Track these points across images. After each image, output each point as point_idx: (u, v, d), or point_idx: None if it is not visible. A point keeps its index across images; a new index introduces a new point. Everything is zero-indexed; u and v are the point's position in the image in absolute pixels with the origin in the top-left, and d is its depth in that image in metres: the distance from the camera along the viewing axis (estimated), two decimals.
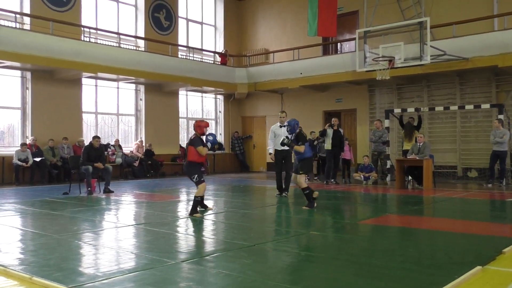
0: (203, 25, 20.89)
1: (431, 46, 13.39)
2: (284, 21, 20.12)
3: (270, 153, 10.51)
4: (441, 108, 14.44)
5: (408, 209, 9.14)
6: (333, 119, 14.24)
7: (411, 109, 14.66)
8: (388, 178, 14.09)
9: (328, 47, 19.20)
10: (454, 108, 14.50)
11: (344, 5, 17.59)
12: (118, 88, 17.24)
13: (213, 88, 19.22)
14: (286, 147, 9.49)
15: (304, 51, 17.96)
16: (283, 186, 10.39)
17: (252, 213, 8.24)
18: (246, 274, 4.26)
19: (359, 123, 17.72)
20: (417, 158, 12.02)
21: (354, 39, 15.89)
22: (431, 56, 13.36)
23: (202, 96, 20.44)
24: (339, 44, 18.97)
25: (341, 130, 14.36)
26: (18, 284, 3.98)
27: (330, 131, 13.97)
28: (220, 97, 20.92)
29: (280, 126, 10.19)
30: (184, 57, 19.02)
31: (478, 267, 4.24)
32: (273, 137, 10.32)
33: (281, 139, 9.08)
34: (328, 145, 13.94)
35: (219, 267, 4.56)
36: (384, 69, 13.94)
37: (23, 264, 4.59)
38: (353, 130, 17.93)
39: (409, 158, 12.33)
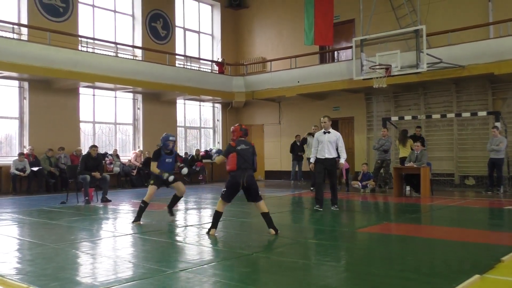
0: (200, 34, 20.98)
1: (427, 54, 13.46)
2: (280, 29, 20.21)
3: (310, 162, 9.59)
4: (438, 116, 14.49)
5: (406, 217, 9.14)
6: (313, 127, 14.06)
7: (408, 117, 14.69)
8: (386, 186, 14.09)
9: (325, 55, 19.29)
10: (451, 115, 14.55)
11: (341, 13, 17.70)
12: (115, 97, 17.27)
13: (210, 97, 19.25)
14: (331, 155, 9.09)
15: (301, 60, 18.03)
16: (331, 198, 9.42)
17: (250, 222, 8.23)
18: (244, 283, 4.25)
19: (357, 131, 17.75)
20: (415, 166, 12.03)
21: (350, 47, 15.97)
22: (427, 64, 13.42)
23: (200, 105, 20.47)
24: (335, 52, 19.07)
25: None
26: None
27: (311, 139, 13.92)
28: (218, 105, 20.95)
29: (324, 133, 9.24)
30: (182, 66, 19.06)
31: (477, 276, 4.23)
32: (317, 145, 9.29)
33: (316, 149, 8.98)
34: (309, 153, 13.90)
35: (217, 276, 4.55)
36: (381, 77, 14.00)
37: (20, 274, 4.57)
38: (351, 138, 17.95)
39: (406, 166, 12.34)
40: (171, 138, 7.80)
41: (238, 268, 4.79)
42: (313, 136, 13.89)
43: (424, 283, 4.23)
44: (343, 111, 18.08)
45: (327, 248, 6.05)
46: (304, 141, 14.13)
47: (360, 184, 13.69)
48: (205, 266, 4.93)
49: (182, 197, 8.31)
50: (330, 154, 9.17)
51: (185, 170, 8.11)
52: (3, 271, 4.59)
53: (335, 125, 18.28)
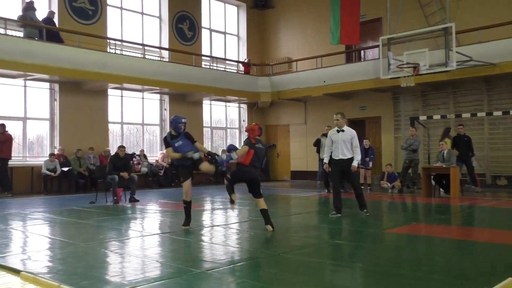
0: (226, 35, 21.07)
1: (456, 52, 13.20)
2: (306, 29, 20.13)
3: (325, 163, 9.12)
4: (468, 115, 14.19)
5: (434, 218, 8.99)
6: (326, 127, 13.98)
7: (437, 117, 14.44)
8: (415, 187, 13.87)
9: (352, 54, 19.12)
10: (481, 114, 14.23)
11: (367, 12, 17.51)
12: (143, 98, 17.49)
13: (236, 97, 19.32)
14: (345, 156, 8.43)
15: (327, 59, 17.92)
16: (358, 203, 8.79)
17: (276, 222, 8.20)
18: (271, 284, 4.25)
19: (384, 131, 17.54)
20: (444, 166, 11.82)
21: (377, 46, 15.79)
22: (456, 62, 13.17)
23: (225, 105, 20.56)
24: (362, 51, 18.88)
25: None
26: None
27: (324, 140, 13.79)
28: (244, 106, 21.00)
29: (338, 131, 8.57)
30: (208, 67, 19.18)
31: (510, 279, 4.12)
32: (331, 144, 8.67)
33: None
34: (323, 154, 13.77)
35: (244, 276, 4.56)
36: (408, 76, 13.79)
37: (51, 272, 4.68)
38: (378, 138, 17.75)
39: (435, 166, 12.14)
40: (183, 120, 7.27)
41: (265, 268, 4.79)
42: (326, 136, 13.82)
43: (453, 285, 4.15)
44: (370, 111, 17.89)
45: (354, 249, 5.99)
46: (318, 142, 13.98)
47: (388, 184, 13.55)
48: (232, 266, 4.95)
49: (219, 171, 7.73)
50: (344, 154, 8.46)
51: (196, 155, 7.22)
52: (35, 269, 4.70)
53: (361, 124, 18.18)
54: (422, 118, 14.77)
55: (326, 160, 9.00)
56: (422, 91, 16.30)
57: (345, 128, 8.58)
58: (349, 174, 8.59)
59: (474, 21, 14.87)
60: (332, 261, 5.25)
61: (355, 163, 8.48)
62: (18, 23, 13.97)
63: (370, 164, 14.03)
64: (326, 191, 13.53)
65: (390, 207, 10.93)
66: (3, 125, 13.14)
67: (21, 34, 14.04)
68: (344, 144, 8.46)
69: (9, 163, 13.29)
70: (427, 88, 16.04)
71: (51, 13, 14.75)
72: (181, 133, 7.28)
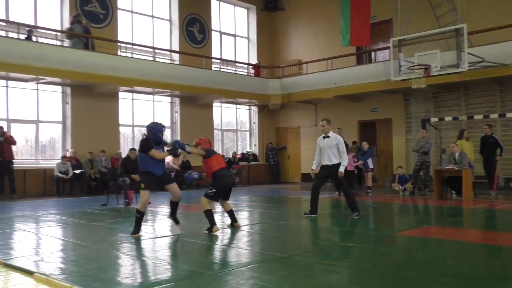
0: (236, 37, 21.11)
1: (468, 53, 13.11)
2: (316, 31, 20.11)
3: (312, 169, 9.06)
4: (480, 117, 14.05)
5: (446, 220, 8.92)
6: (337, 129, 13.96)
7: (448, 118, 14.34)
8: (426, 189, 13.78)
9: (362, 56, 19.06)
10: (494, 116, 14.08)
11: (377, 14, 17.45)
12: (153, 101, 17.58)
13: (247, 100, 19.35)
14: (331, 162, 8.45)
15: (338, 61, 17.88)
16: (349, 206, 8.74)
17: (287, 224, 8.21)
18: (282, 286, 4.24)
19: (395, 133, 17.45)
20: (456, 168, 11.73)
21: (388, 47, 15.73)
22: (468, 63, 13.07)
23: (236, 108, 20.60)
24: (373, 53, 18.82)
25: (346, 140, 14.16)
26: None
27: None
28: (254, 108, 21.02)
29: (324, 137, 8.65)
30: (218, 69, 19.24)
31: None
32: (319, 151, 8.72)
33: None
34: None
35: (255, 278, 4.56)
36: (419, 77, 13.72)
37: (64, 274, 4.71)
38: (389, 140, 17.67)
39: (447, 168, 12.05)
40: (164, 129, 6.95)
41: (276, 270, 4.79)
42: None
43: None
44: (381, 113, 17.81)
45: (365, 251, 5.97)
46: None
47: (399, 186, 13.47)
48: (243, 268, 4.95)
49: (179, 201, 7.31)
50: (330, 160, 8.50)
51: (187, 148, 7.02)
52: (48, 271, 4.74)
53: (372, 126, 18.10)
54: (434, 120, 14.66)
55: (314, 167, 9.00)
56: (433, 93, 16.20)
57: (331, 134, 8.68)
58: (337, 180, 8.68)
59: (486, 21, 14.75)
60: (342, 263, 5.23)
61: (341, 169, 8.52)
62: (66, 33, 14.77)
63: (370, 165, 13.93)
64: (337, 193, 13.49)
65: (401, 209, 10.87)
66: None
67: (33, 38, 14.21)
68: (330, 150, 8.54)
69: (22, 166, 13.48)
70: (439, 89, 15.94)
71: (81, 21, 15.00)
72: (161, 143, 6.93)
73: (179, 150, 7.03)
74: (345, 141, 13.90)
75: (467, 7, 15.04)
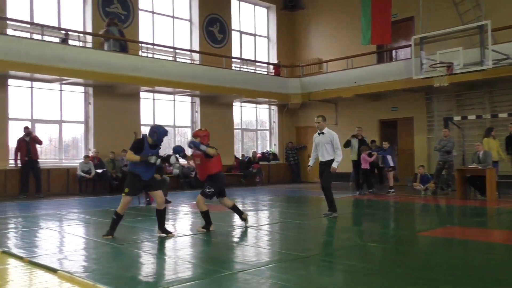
0: (256, 36, 21.12)
1: (492, 50, 12.87)
2: (337, 30, 19.98)
3: (309, 165, 9.02)
4: (505, 115, 13.79)
5: (470, 220, 8.78)
6: (357, 128, 13.95)
7: (472, 117, 14.11)
8: (449, 189, 13.58)
9: (383, 54, 18.88)
10: None
11: (399, 11, 17.26)
12: (174, 101, 17.71)
13: (267, 99, 19.35)
14: (324, 158, 8.46)
15: (358, 60, 17.75)
16: (328, 204, 8.78)
17: (307, 224, 8.19)
18: (301, 285, 4.23)
19: (417, 132, 17.23)
20: (479, 167, 11.53)
21: (409, 45, 15.55)
22: (492, 60, 12.83)
23: (256, 107, 20.61)
24: (394, 51, 18.62)
25: (366, 139, 14.08)
26: None
27: (355, 142, 13.70)
28: (274, 107, 21.00)
29: (319, 134, 8.70)
30: (238, 69, 19.28)
31: None
32: (315, 147, 8.78)
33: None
34: (354, 155, 13.65)
35: (274, 278, 4.56)
36: (442, 75, 13.53)
37: (86, 272, 4.79)
38: (410, 139, 17.46)
39: (470, 168, 11.85)
40: (167, 134, 6.83)
41: (296, 270, 4.78)
42: (356, 138, 13.73)
43: None
44: (402, 111, 17.61)
45: (387, 251, 5.91)
46: (348, 143, 13.85)
47: (421, 186, 13.31)
48: (263, 267, 4.95)
49: (164, 210, 6.86)
50: (323, 156, 8.52)
51: (173, 159, 6.74)
52: (71, 269, 4.82)
53: (393, 125, 17.91)
54: (456, 118, 14.45)
55: (311, 163, 8.97)
56: (456, 91, 15.94)
57: (325, 130, 8.63)
58: (324, 173, 8.53)
59: (510, 18, 14.45)
60: (363, 264, 5.19)
61: (334, 164, 8.46)
62: (101, 37, 15.15)
63: (391, 163, 13.78)
64: (358, 193, 13.40)
65: (423, 209, 10.74)
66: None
67: (56, 40, 14.46)
68: (324, 146, 8.53)
69: (46, 165, 13.76)
70: (462, 87, 15.68)
71: (117, 24, 15.38)
72: (159, 146, 6.75)
73: (175, 157, 6.78)
74: (364, 140, 13.89)
75: (491, 3, 14.77)
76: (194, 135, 7.21)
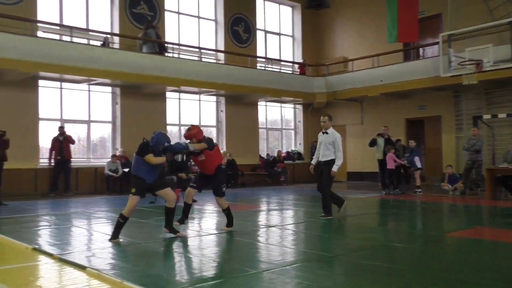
0: (281, 35, 21.09)
1: None
2: (362, 28, 19.80)
3: (311, 164, 9.00)
4: None
5: (500, 221, 8.59)
6: (383, 128, 13.76)
7: (502, 115, 13.79)
8: (478, 189, 13.31)
9: (410, 52, 18.61)
10: None
11: (426, 8, 16.98)
12: (199, 100, 17.83)
13: (292, 98, 19.31)
14: (323, 158, 8.34)
15: (384, 58, 17.54)
16: (322, 205, 8.53)
17: (332, 223, 8.14)
18: (326, 285, 4.21)
19: (445, 131, 16.93)
20: (510, 167, 11.26)
21: (437, 43, 15.29)
22: None
23: (281, 106, 20.59)
24: (421, 49, 18.33)
25: (393, 139, 13.87)
26: None
27: (381, 141, 13.52)
28: (299, 106, 20.94)
29: (323, 133, 8.55)
30: (263, 68, 19.29)
31: None
32: (318, 147, 8.62)
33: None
34: (379, 154, 13.48)
35: (299, 277, 4.55)
36: (471, 73, 13.27)
37: (114, 269, 4.87)
38: (438, 138, 17.17)
39: (501, 167, 11.59)
40: (165, 143, 6.45)
41: (321, 270, 4.76)
42: (383, 137, 13.56)
43: None
44: (429, 110, 17.33)
45: (413, 252, 5.84)
46: (374, 142, 13.69)
47: (449, 186, 13.09)
48: (287, 267, 4.95)
49: (173, 209, 6.64)
50: (324, 156, 8.37)
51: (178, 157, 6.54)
52: (99, 266, 4.91)
53: (420, 124, 17.65)
54: (486, 117, 14.15)
55: (313, 162, 8.86)
56: (485, 89, 15.60)
57: (330, 130, 8.47)
58: (324, 175, 8.36)
59: None
60: (389, 264, 5.13)
61: (334, 168, 8.27)
62: (140, 40, 15.50)
63: (418, 164, 13.56)
64: (384, 192, 13.26)
65: (451, 209, 10.55)
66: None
67: (84, 41, 14.75)
68: (325, 146, 8.38)
69: (75, 164, 14.06)
70: (491, 85, 15.32)
71: (154, 27, 15.75)
72: (158, 152, 6.42)
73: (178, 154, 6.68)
74: (390, 139, 13.72)
75: None
76: (187, 137, 6.93)
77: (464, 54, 13.47)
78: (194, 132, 6.89)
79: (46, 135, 13.99)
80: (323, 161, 8.40)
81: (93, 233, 7.42)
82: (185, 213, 7.08)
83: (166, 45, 16.38)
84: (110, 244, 6.29)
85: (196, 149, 6.76)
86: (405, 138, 16.94)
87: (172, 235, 6.57)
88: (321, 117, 8.66)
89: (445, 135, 16.89)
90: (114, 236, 6.32)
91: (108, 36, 15.08)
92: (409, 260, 5.38)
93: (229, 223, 7.17)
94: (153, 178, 6.42)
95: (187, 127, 7.05)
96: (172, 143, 6.63)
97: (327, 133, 8.45)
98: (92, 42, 14.91)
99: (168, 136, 6.60)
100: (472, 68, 13.23)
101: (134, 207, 6.39)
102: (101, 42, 14.87)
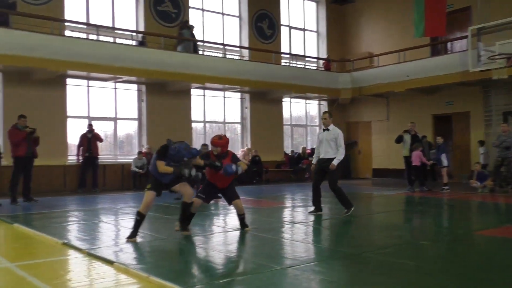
0: (305, 31, 20.98)
1: None
2: (389, 22, 19.53)
3: (312, 163, 8.89)
4: None
5: None
6: (409, 124, 13.52)
7: None
8: (509, 186, 13.01)
9: (437, 47, 18.28)
10: None
11: (454, 1, 16.65)
12: (224, 97, 17.90)
13: (316, 94, 19.21)
14: (326, 155, 8.23)
15: (411, 53, 17.27)
16: (340, 203, 8.52)
17: (358, 221, 8.08)
18: (351, 283, 4.19)
19: (473, 127, 16.59)
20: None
21: (466, 37, 14.99)
22: None
23: (305, 103, 20.51)
24: (449, 43, 17.98)
25: (419, 135, 13.62)
26: (137, 282, 4.29)
27: (407, 137, 13.29)
28: (324, 103, 20.82)
29: (324, 130, 8.46)
30: (287, 64, 19.23)
31: None
32: (319, 143, 8.57)
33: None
34: (406, 151, 13.27)
35: (324, 274, 4.54)
36: (501, 67, 12.96)
37: (141, 264, 4.94)
38: (467, 134, 16.84)
39: None
40: (186, 157, 6.19)
41: (346, 267, 4.74)
42: (409, 133, 13.34)
43: None
44: (457, 106, 17.01)
45: (440, 250, 5.75)
46: (400, 138, 13.50)
47: (478, 183, 12.83)
48: (312, 264, 4.94)
49: (191, 203, 6.49)
50: (326, 154, 8.26)
51: (191, 172, 6.20)
52: (126, 261, 4.99)
53: (448, 120, 17.33)
54: None
55: (314, 161, 8.76)
56: None
57: (331, 127, 8.39)
58: (328, 173, 8.27)
59: None
60: (416, 262, 5.06)
61: (335, 162, 8.18)
62: (176, 39, 15.91)
63: (445, 162, 13.30)
64: (410, 189, 13.08)
65: (480, 207, 10.35)
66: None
67: (110, 39, 14.96)
68: (328, 143, 8.30)
69: (103, 161, 14.32)
70: None
71: (189, 27, 16.10)
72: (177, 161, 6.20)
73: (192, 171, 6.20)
74: (417, 136, 13.52)
75: None
76: (217, 144, 6.57)
77: (494, 48, 13.17)
78: (224, 142, 6.61)
79: (74, 133, 14.25)
80: (326, 158, 8.29)
81: (120, 229, 7.54)
82: (189, 221, 6.70)
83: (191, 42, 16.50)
84: (136, 239, 6.36)
85: (244, 169, 6.54)
86: (432, 134, 16.67)
87: (187, 233, 6.43)
88: (322, 113, 8.60)
89: (474, 132, 16.55)
90: (132, 235, 6.14)
91: (143, 35, 15.35)
92: (436, 258, 5.30)
93: (245, 224, 6.93)
94: (169, 179, 6.24)
95: (218, 135, 6.76)
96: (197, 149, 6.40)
97: (328, 130, 8.39)
98: (118, 40, 15.12)
99: (191, 149, 6.30)
100: (502, 62, 12.93)
101: (150, 203, 6.20)
102: (139, 41, 15.12)
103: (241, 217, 6.87)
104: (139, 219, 6.17)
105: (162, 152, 6.13)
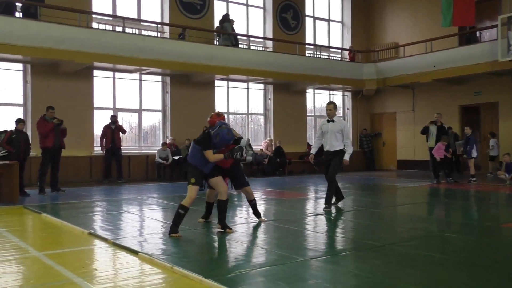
0: (330, 22, 20.76)
1: None
2: (415, 12, 19.16)
3: (311, 153, 8.76)
4: None
5: None
6: (435, 115, 13.26)
7: None
8: None
9: (465, 36, 17.87)
10: None
11: None
12: (248, 88, 17.89)
13: (340, 85, 19.04)
14: (331, 148, 8.11)
15: (438, 43, 16.92)
16: (335, 196, 8.52)
17: (382, 213, 8.01)
18: (375, 275, 4.16)
19: (502, 117, 16.22)
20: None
21: (495, 26, 14.62)
22: None
23: (329, 94, 20.34)
24: (477, 32, 17.56)
25: (446, 126, 13.35)
26: (161, 272, 4.35)
27: (433, 128, 13.05)
28: (348, 94, 20.62)
29: (328, 121, 8.28)
30: (311, 55, 19.09)
31: None
32: (320, 135, 8.43)
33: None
34: (431, 142, 13.04)
35: (348, 266, 4.52)
36: None
37: (165, 254, 5.00)
38: (495, 125, 16.47)
39: None
40: (230, 140, 6.18)
41: (369, 259, 4.71)
42: (435, 124, 13.11)
43: None
44: (486, 96, 16.63)
45: (466, 243, 5.66)
46: (426, 129, 13.28)
47: (506, 175, 12.56)
48: (336, 255, 4.92)
49: (226, 200, 6.33)
50: (332, 146, 8.10)
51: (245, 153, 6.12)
52: (151, 251, 5.06)
53: (475, 111, 16.97)
54: None
55: (313, 151, 8.63)
56: None
57: (336, 118, 8.23)
58: (331, 163, 8.12)
59: None
60: (441, 255, 4.99)
61: (346, 157, 8.05)
62: (216, 33, 16.38)
63: (474, 154, 13.03)
64: (435, 181, 12.90)
65: (508, 199, 10.13)
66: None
67: (136, 31, 15.09)
68: (333, 134, 8.13)
69: (127, 152, 14.52)
70: None
71: (230, 21, 16.44)
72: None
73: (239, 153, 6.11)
74: (444, 127, 13.27)
75: None
76: (213, 122, 6.45)
77: None
78: (221, 118, 6.58)
79: (100, 124, 14.47)
80: (331, 151, 8.14)
81: (144, 219, 7.64)
82: (209, 211, 6.98)
83: (215, 33, 16.52)
84: (161, 229, 6.45)
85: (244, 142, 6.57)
86: (460, 125, 16.37)
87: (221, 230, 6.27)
88: (326, 104, 8.42)
89: (503, 122, 16.19)
90: (175, 230, 5.90)
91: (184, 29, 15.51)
92: (462, 251, 5.22)
93: (258, 213, 6.99)
94: (209, 168, 6.16)
95: (217, 113, 6.83)
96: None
97: (333, 121, 8.23)
98: (143, 32, 15.22)
99: (233, 132, 6.28)
100: None
101: (195, 197, 6.03)
102: (179, 34, 15.40)
103: (253, 203, 7.00)
104: (183, 213, 5.95)
105: (206, 141, 6.02)
